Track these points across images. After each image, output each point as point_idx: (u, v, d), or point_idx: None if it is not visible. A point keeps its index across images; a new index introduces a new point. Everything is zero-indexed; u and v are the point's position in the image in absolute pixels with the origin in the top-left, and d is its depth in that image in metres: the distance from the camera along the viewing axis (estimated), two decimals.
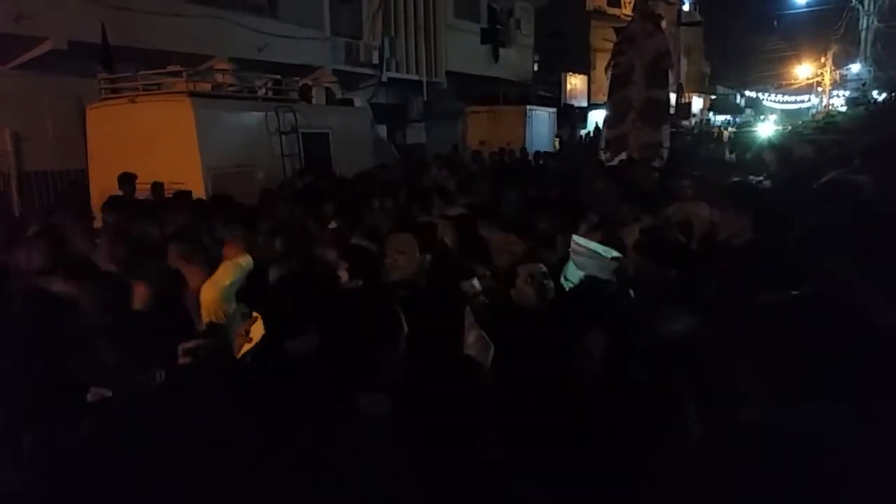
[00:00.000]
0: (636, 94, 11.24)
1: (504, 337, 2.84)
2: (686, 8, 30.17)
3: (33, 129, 10.21)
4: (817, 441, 1.59)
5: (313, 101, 11.05)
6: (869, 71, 32.99)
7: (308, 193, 7.19)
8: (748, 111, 49.36)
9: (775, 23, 45.08)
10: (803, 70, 48.68)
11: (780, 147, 7.32)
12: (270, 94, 9.82)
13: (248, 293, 3.53)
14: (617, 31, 14.30)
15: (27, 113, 10.10)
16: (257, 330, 2.90)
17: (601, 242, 3.72)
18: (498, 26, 21.74)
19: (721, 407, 2.19)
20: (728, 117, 44.30)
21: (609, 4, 29.19)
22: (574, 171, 10.01)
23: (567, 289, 3.42)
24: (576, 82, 26.09)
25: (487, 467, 2.37)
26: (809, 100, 46.32)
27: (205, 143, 7.92)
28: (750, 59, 51.05)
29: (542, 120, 19.29)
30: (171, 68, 8.87)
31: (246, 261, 3.72)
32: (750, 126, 31.89)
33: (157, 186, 7.55)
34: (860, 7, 33.77)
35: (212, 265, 3.77)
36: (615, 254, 3.60)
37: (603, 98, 13.08)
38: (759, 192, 5.05)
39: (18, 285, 3.50)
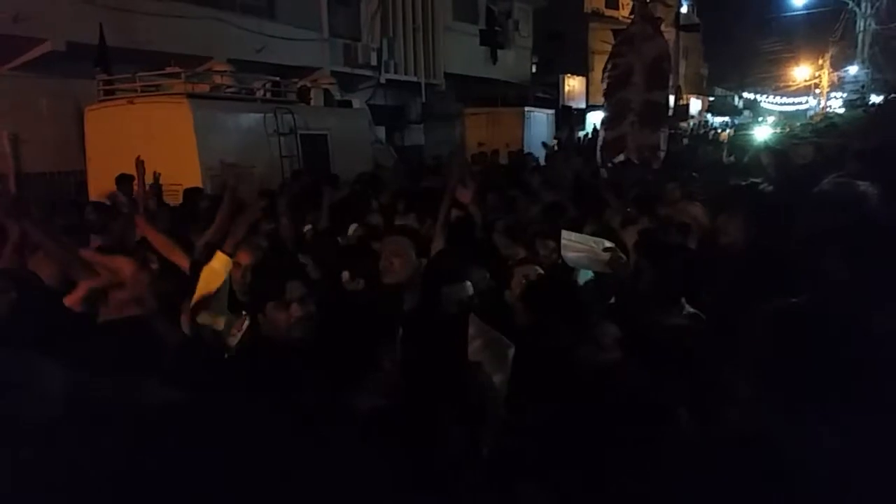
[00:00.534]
0: (635, 96, 11.25)
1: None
2: (684, 10, 30.17)
3: (32, 131, 10.21)
4: (812, 449, 1.59)
5: (312, 102, 11.07)
6: (867, 73, 33.04)
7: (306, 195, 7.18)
8: (746, 113, 49.45)
9: (773, 25, 45.21)
10: (801, 72, 48.74)
11: (778, 150, 7.33)
12: (269, 95, 9.84)
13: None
14: (615, 32, 14.33)
15: (26, 114, 10.11)
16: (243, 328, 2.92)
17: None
18: (496, 28, 21.77)
19: (715, 411, 2.20)
20: (726, 119, 44.37)
21: (607, 6, 29.22)
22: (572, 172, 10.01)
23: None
24: (574, 84, 26.12)
25: (488, 468, 2.39)
26: (807, 102, 46.34)
27: (203, 145, 7.92)
28: (748, 61, 51.14)
29: (540, 121, 19.31)
30: (169, 70, 8.88)
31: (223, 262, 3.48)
32: (748, 128, 31.93)
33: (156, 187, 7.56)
34: (857, 10, 33.85)
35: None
36: (607, 244, 3.57)
37: (601, 100, 13.11)
38: (759, 195, 5.07)
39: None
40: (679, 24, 24.24)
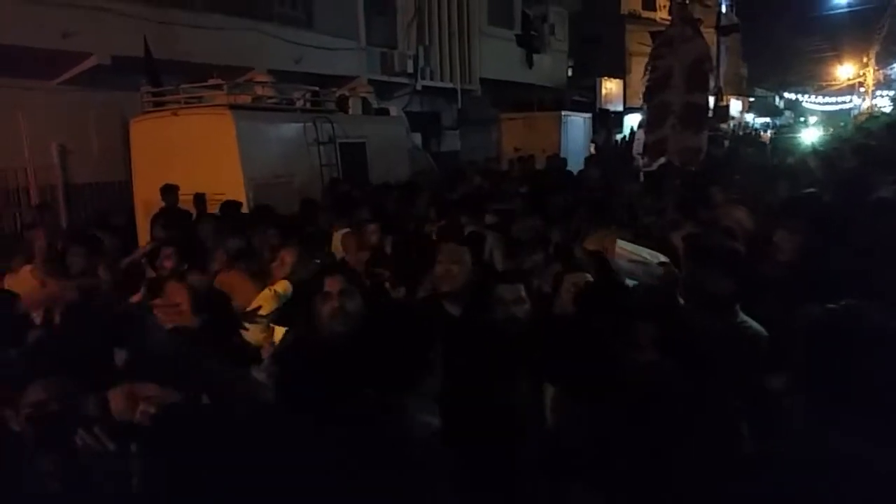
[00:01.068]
0: (676, 98, 11.09)
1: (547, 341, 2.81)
2: (724, 10, 29.73)
3: (79, 143, 10.46)
4: (855, 462, 1.55)
5: (350, 111, 11.14)
6: None
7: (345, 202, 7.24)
8: (787, 113, 48.48)
9: (814, 23, 44.26)
10: (844, 70, 47.64)
11: (826, 154, 7.14)
12: (308, 105, 9.92)
13: (287, 315, 3.50)
14: (653, 35, 14.15)
15: (73, 126, 10.36)
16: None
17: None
18: (532, 32, 21.68)
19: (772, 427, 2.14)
20: (767, 120, 43.56)
21: (644, 8, 28.92)
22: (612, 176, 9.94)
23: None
24: (611, 86, 25.89)
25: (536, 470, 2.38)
26: (851, 101, 45.28)
27: (246, 155, 8.02)
28: (788, 61, 50.13)
29: (577, 126, 19.15)
30: (212, 81, 9.01)
31: (284, 288, 3.62)
32: (791, 129, 31.28)
33: (200, 197, 7.69)
34: None
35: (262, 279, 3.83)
36: (662, 258, 3.52)
37: (639, 102, 12.94)
38: (813, 204, 4.92)
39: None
40: (720, 24, 23.90)
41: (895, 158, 5.65)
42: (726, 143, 19.04)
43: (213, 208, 7.36)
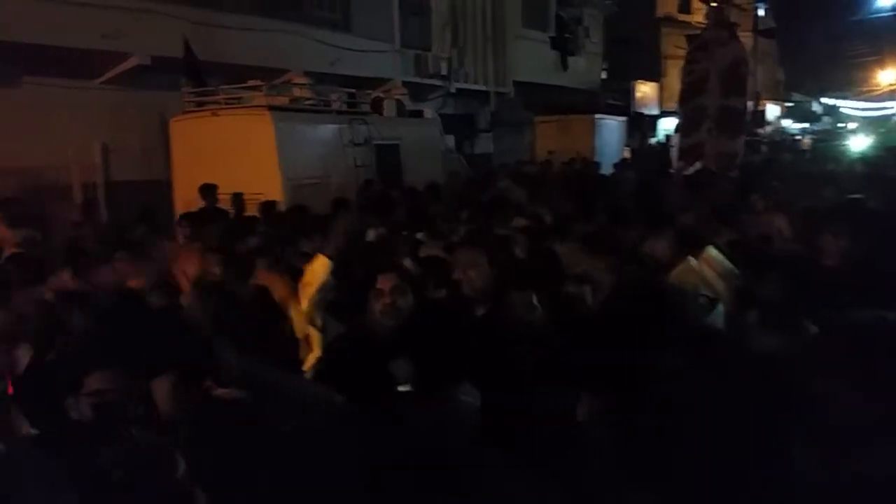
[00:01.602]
0: (711, 102, 10.99)
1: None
2: (761, 13, 29.30)
3: (120, 141, 10.65)
4: None
5: (385, 112, 11.20)
6: None
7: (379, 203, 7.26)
8: (826, 119, 47.54)
9: (853, 27, 43.39)
10: (886, 75, 46.64)
11: (872, 162, 7.01)
12: (344, 106, 10.01)
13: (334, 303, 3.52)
14: (689, 38, 14.03)
15: (115, 126, 10.55)
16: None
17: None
18: (566, 35, 21.59)
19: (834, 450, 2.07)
20: (805, 125, 42.78)
21: (680, 11, 28.62)
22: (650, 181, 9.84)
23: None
24: (646, 90, 25.67)
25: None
26: (893, 107, 44.26)
27: (284, 156, 8.11)
28: (826, 65, 49.15)
29: (611, 129, 19.02)
30: (251, 82, 9.12)
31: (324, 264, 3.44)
32: (831, 135, 30.67)
33: (238, 197, 7.78)
34: None
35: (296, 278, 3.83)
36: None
37: (674, 106, 12.81)
38: (859, 210, 4.83)
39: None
40: (757, 28, 23.57)
41: None
42: (764, 148, 18.78)
43: (251, 208, 7.44)
